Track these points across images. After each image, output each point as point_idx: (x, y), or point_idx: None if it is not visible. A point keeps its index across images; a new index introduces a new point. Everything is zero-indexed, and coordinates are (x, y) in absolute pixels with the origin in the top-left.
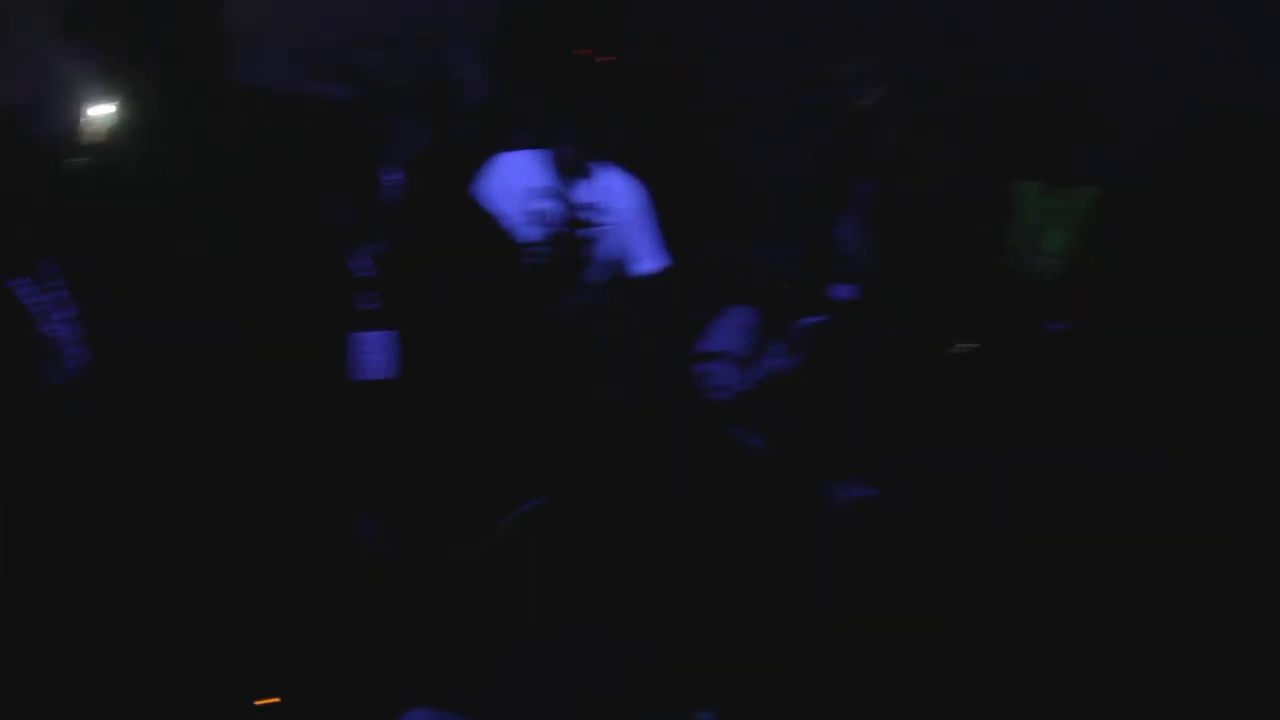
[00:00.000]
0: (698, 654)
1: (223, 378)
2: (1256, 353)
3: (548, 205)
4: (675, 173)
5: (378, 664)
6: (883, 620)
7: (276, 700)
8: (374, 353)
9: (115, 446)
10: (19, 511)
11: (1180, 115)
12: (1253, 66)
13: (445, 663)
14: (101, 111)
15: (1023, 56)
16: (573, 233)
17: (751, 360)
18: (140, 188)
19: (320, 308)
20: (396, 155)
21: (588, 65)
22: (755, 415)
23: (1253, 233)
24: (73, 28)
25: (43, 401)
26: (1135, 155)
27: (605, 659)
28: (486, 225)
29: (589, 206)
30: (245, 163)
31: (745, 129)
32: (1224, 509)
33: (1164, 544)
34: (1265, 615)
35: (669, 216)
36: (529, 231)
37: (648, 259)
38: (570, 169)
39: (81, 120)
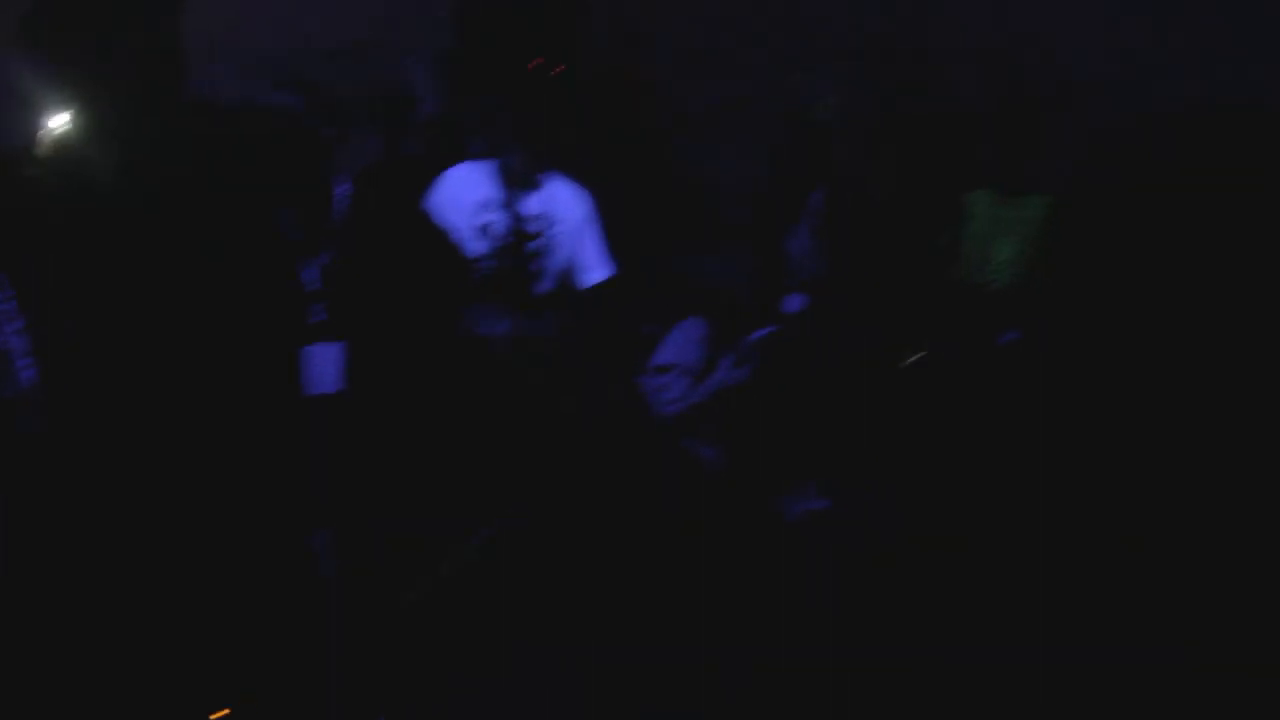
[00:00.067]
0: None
1: (175, 392)
2: (1211, 353)
3: (495, 218)
4: (628, 184)
5: (335, 679)
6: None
7: (226, 712)
8: (321, 366)
9: (67, 461)
10: None
11: (1134, 122)
12: (1209, 74)
13: (409, 679)
14: (56, 122)
15: (975, 67)
16: (520, 244)
17: (703, 373)
18: (94, 198)
19: (271, 320)
20: (347, 167)
21: (539, 76)
22: (707, 428)
23: (1207, 237)
24: (27, 37)
25: None
26: (1087, 163)
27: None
28: (433, 238)
29: (536, 218)
30: (197, 174)
31: (698, 140)
32: (1174, 508)
33: (1112, 543)
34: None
35: (621, 228)
36: (477, 245)
37: (596, 268)
38: (517, 180)
39: (36, 131)
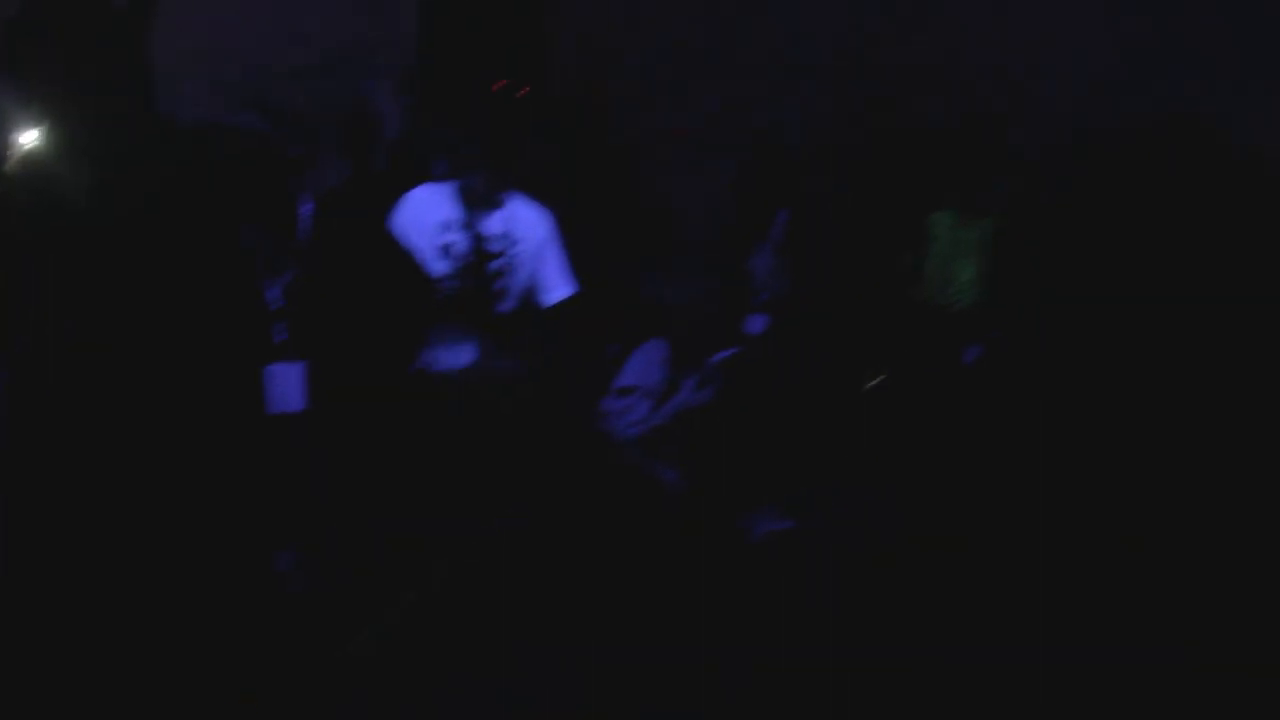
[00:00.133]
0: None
1: (139, 409)
2: (1170, 356)
3: (456, 238)
4: (591, 206)
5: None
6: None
7: None
8: (284, 385)
9: (31, 474)
10: None
11: (1089, 139)
12: (1161, 92)
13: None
14: (26, 139)
15: (938, 89)
16: (482, 264)
17: (666, 394)
18: (62, 214)
19: (235, 338)
20: (311, 187)
21: (504, 97)
22: (669, 449)
23: (1158, 248)
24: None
25: None
26: (1042, 180)
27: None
28: (395, 258)
29: (497, 237)
30: (164, 192)
31: (661, 162)
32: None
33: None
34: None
35: (585, 249)
36: (439, 265)
37: (558, 287)
38: (478, 200)
39: (5, 147)
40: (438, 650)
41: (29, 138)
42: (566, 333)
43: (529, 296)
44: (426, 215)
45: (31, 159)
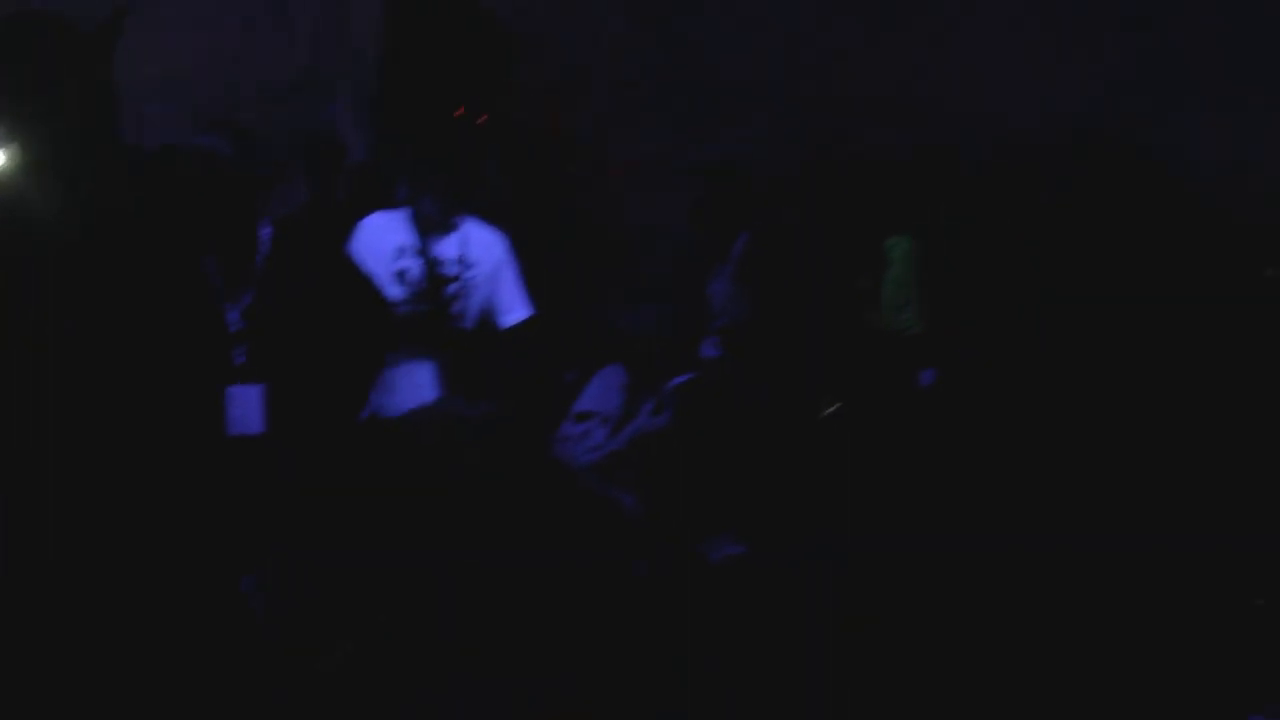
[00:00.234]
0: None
1: (99, 430)
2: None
3: (410, 264)
4: (549, 232)
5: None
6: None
7: None
8: (243, 407)
9: None
10: None
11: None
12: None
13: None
14: None
15: (895, 118)
16: (437, 288)
17: (623, 420)
18: (23, 235)
19: (195, 361)
20: (270, 210)
21: (462, 124)
22: (626, 474)
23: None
24: None
25: None
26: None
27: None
28: (352, 283)
29: (452, 261)
30: (127, 213)
31: (618, 190)
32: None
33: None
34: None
35: (543, 277)
36: (395, 290)
37: (515, 309)
38: (431, 225)
39: None
40: (378, 686)
41: None
42: (525, 354)
43: (486, 319)
44: (381, 241)
45: None
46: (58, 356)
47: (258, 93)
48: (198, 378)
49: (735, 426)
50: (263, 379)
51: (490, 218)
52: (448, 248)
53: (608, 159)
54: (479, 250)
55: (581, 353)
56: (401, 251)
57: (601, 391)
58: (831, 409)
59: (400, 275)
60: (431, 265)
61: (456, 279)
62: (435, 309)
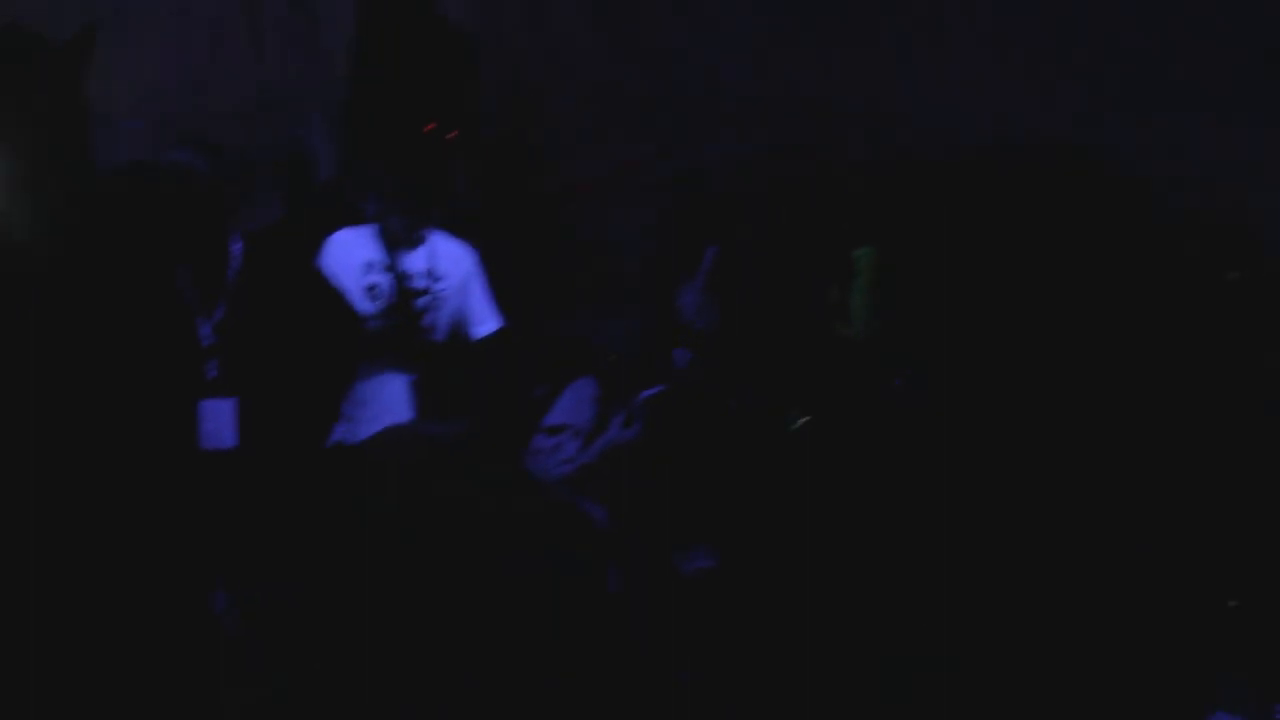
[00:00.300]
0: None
1: (71, 444)
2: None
3: (379, 279)
4: (519, 245)
5: None
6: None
7: None
8: (215, 421)
9: None
10: None
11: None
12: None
13: None
14: None
15: (865, 129)
16: (406, 303)
17: (594, 433)
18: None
19: (168, 375)
20: (242, 225)
21: (431, 139)
22: (598, 487)
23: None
24: None
25: None
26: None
27: None
28: (322, 298)
29: (420, 275)
30: (99, 229)
31: (587, 203)
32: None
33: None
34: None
35: (513, 289)
36: (365, 305)
37: (485, 321)
38: (397, 240)
39: None
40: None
41: None
42: (497, 366)
43: (457, 332)
44: (350, 257)
45: None
46: (31, 370)
47: (229, 109)
48: (170, 392)
49: (706, 438)
50: (235, 393)
51: (459, 231)
52: (416, 261)
53: (576, 172)
54: (447, 263)
55: (552, 366)
56: (370, 266)
57: (573, 404)
58: (803, 419)
59: (370, 290)
60: (400, 279)
61: (426, 292)
62: (405, 322)
